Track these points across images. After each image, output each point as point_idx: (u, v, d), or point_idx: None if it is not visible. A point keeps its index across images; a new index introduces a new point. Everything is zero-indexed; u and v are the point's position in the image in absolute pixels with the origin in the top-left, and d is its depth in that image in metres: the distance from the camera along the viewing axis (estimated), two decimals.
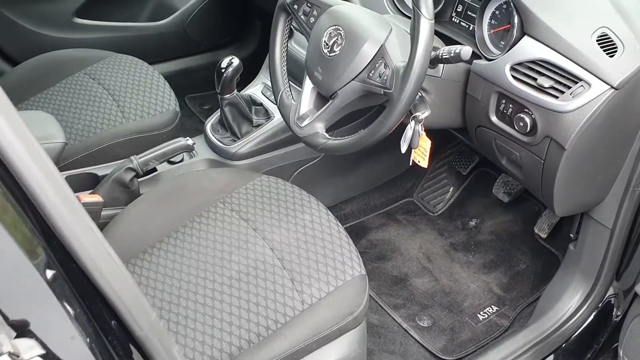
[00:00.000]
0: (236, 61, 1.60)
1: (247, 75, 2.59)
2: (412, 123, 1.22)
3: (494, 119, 1.28)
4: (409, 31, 1.20)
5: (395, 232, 1.91)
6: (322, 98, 1.28)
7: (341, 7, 1.23)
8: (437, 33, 1.38)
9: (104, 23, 2.18)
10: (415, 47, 1.05)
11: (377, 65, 1.13)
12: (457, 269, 1.79)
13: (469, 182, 1.98)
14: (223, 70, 1.59)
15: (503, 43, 1.29)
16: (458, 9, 1.39)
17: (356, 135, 1.17)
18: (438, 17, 1.42)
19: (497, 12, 1.30)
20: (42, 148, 0.64)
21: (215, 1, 2.39)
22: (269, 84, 1.77)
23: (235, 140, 1.68)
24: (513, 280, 1.75)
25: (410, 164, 1.31)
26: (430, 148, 1.26)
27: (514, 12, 1.21)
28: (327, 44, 1.20)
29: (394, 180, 2.05)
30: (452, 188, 2.00)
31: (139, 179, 1.53)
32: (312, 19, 1.27)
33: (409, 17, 1.43)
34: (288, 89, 1.35)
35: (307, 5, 1.28)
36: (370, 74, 1.14)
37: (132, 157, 1.48)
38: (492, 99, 1.26)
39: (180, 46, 2.42)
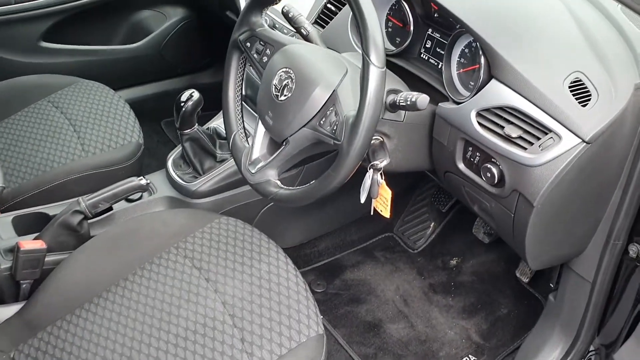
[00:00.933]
0: (196, 95, 1.50)
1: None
2: (371, 172, 1.13)
3: (461, 166, 1.18)
4: None
5: (372, 271, 1.81)
6: (275, 142, 1.18)
7: (295, 47, 1.13)
8: (404, 71, 1.29)
9: (73, 47, 2.09)
10: (364, 98, 0.95)
11: (327, 112, 1.04)
12: (435, 314, 1.68)
13: (449, 218, 1.87)
14: (182, 104, 1.50)
15: (472, 84, 1.19)
16: (427, 45, 1.29)
17: (307, 186, 1.07)
18: (405, 53, 1.33)
19: (466, 50, 1.20)
20: None
21: (193, 22, 2.31)
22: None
23: (196, 177, 1.59)
24: (493, 327, 1.64)
25: (372, 213, 1.21)
26: (392, 197, 1.16)
27: (480, 52, 1.11)
28: (277, 87, 1.11)
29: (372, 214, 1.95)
30: (433, 223, 1.89)
31: (90, 220, 1.44)
32: (264, 59, 1.18)
33: None
34: (242, 131, 1.25)
35: (260, 44, 1.19)
36: (321, 122, 1.04)
37: (79, 199, 1.39)
38: (458, 146, 1.16)
39: (156, 69, 2.33)
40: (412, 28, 1.30)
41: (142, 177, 1.48)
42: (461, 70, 1.21)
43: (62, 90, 1.78)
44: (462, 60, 1.21)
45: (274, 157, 1.14)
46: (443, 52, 1.24)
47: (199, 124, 1.57)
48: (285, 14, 1.27)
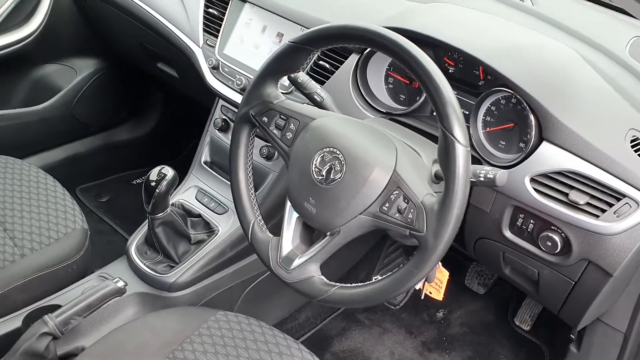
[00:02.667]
0: (170, 172, 1.27)
1: (148, 156, 2.26)
2: None
3: (507, 234, 1.10)
4: (409, 144, 0.99)
5: (360, 337, 1.67)
6: (310, 229, 1.02)
7: (330, 122, 0.98)
8: (416, 130, 1.18)
9: None
10: (452, 183, 0.83)
11: (391, 197, 0.89)
12: None
13: None
14: (154, 184, 1.26)
15: (503, 143, 1.11)
16: None
17: (377, 284, 0.91)
18: (416, 112, 1.22)
19: (493, 108, 1.13)
20: None
21: (107, 75, 2.03)
22: (204, 187, 1.48)
23: (171, 266, 1.35)
24: None
25: (422, 297, 1.08)
26: (448, 279, 1.04)
27: (529, 114, 1.03)
28: (319, 170, 0.94)
29: (347, 274, 1.81)
30: None
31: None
32: (288, 135, 1.01)
33: (385, 113, 1.21)
34: (260, 219, 1.06)
35: (282, 117, 1.02)
36: (384, 208, 0.90)
37: (46, 318, 1.10)
38: (506, 213, 1.08)
39: (66, 131, 2.01)
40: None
41: (118, 279, 1.22)
42: (488, 129, 1.13)
43: None
44: (488, 118, 1.13)
45: (316, 249, 0.97)
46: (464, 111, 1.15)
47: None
48: (293, 80, 1.11)
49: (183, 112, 2.25)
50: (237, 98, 1.38)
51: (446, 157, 0.83)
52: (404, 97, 1.26)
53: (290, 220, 1.01)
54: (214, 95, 1.48)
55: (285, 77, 1.08)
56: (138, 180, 2.19)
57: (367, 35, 0.89)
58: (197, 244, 1.38)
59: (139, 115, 2.23)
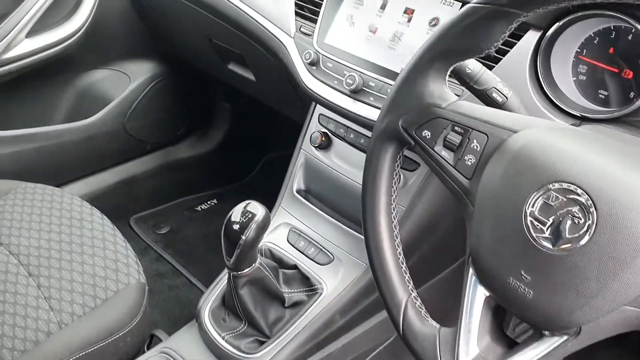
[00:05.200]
0: (260, 211, 0.89)
1: (214, 177, 1.90)
2: None
3: None
4: None
5: None
6: (501, 311, 0.61)
7: (548, 137, 0.57)
8: None
9: None
10: None
11: None
12: None
13: None
14: (238, 229, 0.88)
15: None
16: None
17: None
18: (631, 117, 0.80)
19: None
20: None
21: (165, 82, 1.68)
22: (298, 224, 1.09)
23: (260, 341, 0.96)
24: None
25: None
26: None
27: None
28: (541, 224, 0.53)
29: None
30: None
31: None
32: (469, 160, 0.60)
33: (579, 117, 0.80)
34: (415, 295, 0.66)
35: (456, 131, 0.62)
36: None
37: None
38: None
39: (117, 150, 1.67)
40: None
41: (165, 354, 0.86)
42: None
43: None
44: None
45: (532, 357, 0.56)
46: None
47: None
48: (457, 70, 0.71)
49: (257, 125, 1.88)
50: (346, 103, 0.99)
51: None
52: (605, 93, 0.84)
53: (473, 301, 0.60)
54: (308, 100, 1.10)
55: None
56: (203, 207, 1.84)
57: None
58: (293, 307, 0.99)
59: (203, 130, 1.88)
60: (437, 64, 0.62)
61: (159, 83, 1.66)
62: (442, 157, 0.62)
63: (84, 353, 0.93)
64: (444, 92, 0.63)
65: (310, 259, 1.04)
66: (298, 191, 1.12)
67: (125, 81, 1.61)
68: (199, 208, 1.83)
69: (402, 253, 0.67)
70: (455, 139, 0.61)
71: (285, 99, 1.32)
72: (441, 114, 0.62)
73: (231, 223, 0.89)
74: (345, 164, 1.06)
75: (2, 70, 1.32)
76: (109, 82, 1.58)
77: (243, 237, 0.87)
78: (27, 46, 1.35)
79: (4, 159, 1.41)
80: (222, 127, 1.89)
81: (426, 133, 0.63)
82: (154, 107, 1.68)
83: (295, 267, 1.03)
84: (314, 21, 1.05)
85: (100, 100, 1.57)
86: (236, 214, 0.89)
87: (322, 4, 1.04)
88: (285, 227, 1.09)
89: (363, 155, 1.01)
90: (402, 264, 0.67)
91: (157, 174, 1.79)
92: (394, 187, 0.67)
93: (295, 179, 1.12)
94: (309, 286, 1.01)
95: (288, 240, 1.07)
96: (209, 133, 1.89)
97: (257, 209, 0.89)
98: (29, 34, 1.35)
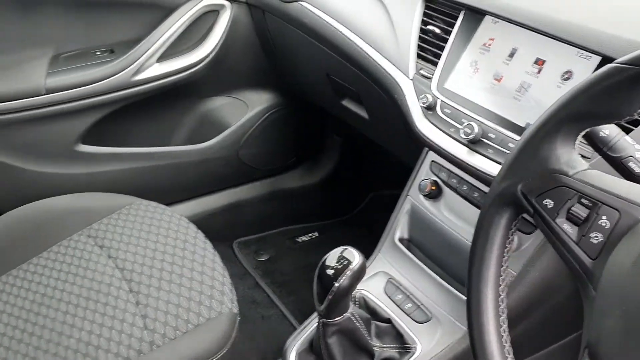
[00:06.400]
0: (357, 258, 0.84)
1: (318, 209, 1.89)
2: None
3: None
4: None
5: None
6: None
7: None
8: None
9: (121, 150, 1.48)
10: None
11: None
12: None
13: None
14: (332, 274, 0.84)
15: None
16: None
17: None
18: None
19: None
20: None
21: (280, 112, 1.70)
22: (397, 276, 1.03)
23: None
24: None
25: None
26: None
27: None
28: None
29: None
30: None
31: None
32: (595, 238, 0.53)
33: None
34: None
35: (582, 204, 0.54)
36: None
37: None
38: None
39: (229, 174, 1.71)
40: None
41: None
42: None
43: (108, 218, 1.17)
44: None
45: None
46: None
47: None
48: (587, 134, 0.63)
49: (366, 161, 1.86)
50: (462, 153, 0.93)
51: None
52: None
53: None
54: (421, 145, 1.05)
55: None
56: (304, 238, 1.83)
57: None
58: None
59: (312, 161, 1.88)
60: (568, 127, 0.55)
61: (275, 113, 1.68)
62: (563, 231, 0.55)
63: None
64: (572, 159, 0.56)
65: (406, 314, 0.97)
66: (400, 240, 1.07)
67: (243, 109, 1.64)
68: (299, 239, 1.82)
69: (505, 322, 0.60)
70: (581, 212, 0.54)
71: (397, 140, 1.28)
72: (567, 183, 0.55)
73: (325, 267, 0.85)
74: (454, 217, 0.99)
75: (132, 91, 1.40)
76: (228, 109, 1.63)
77: (336, 285, 0.83)
78: (156, 70, 1.42)
79: (123, 174, 1.49)
80: (331, 161, 1.88)
81: (548, 202, 0.56)
82: (267, 136, 1.70)
83: (389, 321, 0.97)
84: (435, 64, 1.01)
85: (217, 125, 1.62)
86: (331, 258, 0.86)
87: (445, 47, 1.00)
88: (383, 277, 1.04)
89: (475, 210, 0.94)
90: (504, 333, 0.59)
91: (263, 201, 1.81)
92: (506, 257, 0.61)
93: (399, 227, 1.07)
94: (402, 344, 0.95)
95: (385, 291, 1.02)
96: (318, 165, 1.89)
97: (354, 256, 0.84)
98: (160, 59, 1.42)
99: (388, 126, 1.26)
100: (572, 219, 0.54)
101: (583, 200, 0.54)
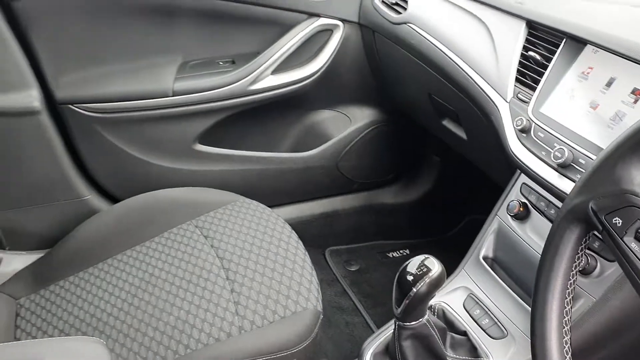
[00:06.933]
0: (436, 267, 0.89)
1: (412, 227, 1.93)
2: None
3: None
4: None
5: None
6: None
7: None
8: None
9: (233, 152, 1.61)
10: None
11: None
12: None
13: None
14: (411, 280, 0.89)
15: None
16: None
17: None
18: None
19: None
20: None
21: (381, 129, 1.77)
22: (477, 292, 1.06)
23: None
24: None
25: None
26: None
27: None
28: None
29: None
30: None
31: None
32: None
33: None
34: None
35: None
36: None
37: None
38: None
39: (327, 184, 1.80)
40: None
41: None
42: None
43: (215, 212, 1.28)
44: None
45: None
46: None
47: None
48: None
49: (464, 184, 1.87)
50: (551, 176, 0.94)
51: None
52: None
53: None
54: (513, 167, 1.07)
55: None
56: (395, 254, 1.87)
57: None
58: None
59: (409, 179, 1.92)
60: (637, 152, 0.57)
61: (377, 129, 1.75)
62: (630, 249, 0.57)
63: None
64: None
65: (482, 329, 1.00)
66: (485, 258, 1.09)
67: (346, 123, 1.73)
68: (390, 254, 1.87)
69: (569, 341, 0.62)
70: None
71: (493, 163, 1.30)
72: (637, 203, 0.57)
73: (405, 273, 0.90)
74: (540, 240, 1.00)
75: (247, 99, 1.53)
76: (332, 122, 1.72)
77: (414, 290, 0.87)
78: (271, 81, 1.54)
79: (232, 174, 1.62)
80: (428, 180, 1.91)
81: (617, 220, 0.58)
82: (367, 151, 1.77)
83: (465, 333, 1.00)
84: (533, 89, 1.03)
85: (320, 136, 1.71)
86: (412, 265, 0.90)
87: (544, 73, 1.02)
88: (464, 292, 1.07)
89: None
90: (566, 344, 0.61)
91: (358, 213, 1.87)
92: (574, 271, 0.63)
93: (484, 245, 1.09)
94: (476, 357, 0.97)
95: (464, 306, 1.05)
96: (414, 183, 1.92)
97: (434, 265, 0.89)
98: (274, 72, 1.53)
99: (485, 148, 1.29)
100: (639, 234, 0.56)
101: None
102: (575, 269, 0.63)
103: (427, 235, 1.94)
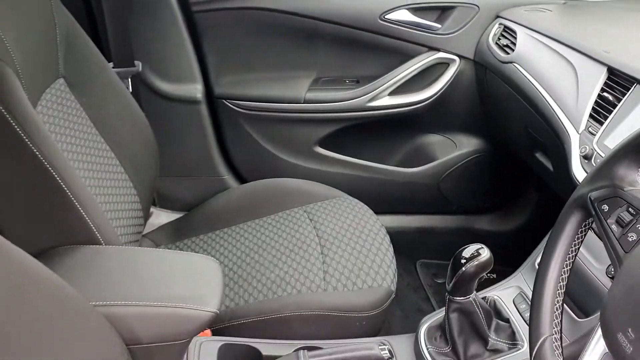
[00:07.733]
0: (486, 254, 1.08)
1: (503, 255, 2.05)
2: None
3: None
4: None
5: None
6: None
7: None
8: None
9: (345, 158, 1.88)
10: None
11: None
12: None
13: None
14: (462, 262, 1.08)
15: None
16: None
17: None
18: None
19: None
20: None
21: (484, 158, 1.94)
22: (527, 291, 1.21)
23: None
24: None
25: None
26: None
27: None
28: None
29: None
30: None
31: None
32: (631, 237, 0.71)
33: None
34: (558, 337, 0.77)
35: (630, 211, 0.73)
36: None
37: (300, 354, 1.04)
38: None
39: (427, 201, 1.99)
40: None
41: (383, 343, 1.09)
42: None
43: (322, 202, 1.54)
44: None
45: None
46: None
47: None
48: None
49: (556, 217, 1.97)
50: None
51: None
52: None
53: (594, 350, 0.70)
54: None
55: None
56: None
57: None
58: (493, 352, 1.13)
59: (505, 210, 2.06)
60: (632, 155, 0.74)
61: (479, 157, 1.92)
62: (611, 230, 0.73)
63: (328, 313, 1.24)
64: (633, 179, 0.74)
65: (524, 320, 1.15)
66: (539, 264, 1.24)
67: (451, 147, 1.92)
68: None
69: (561, 302, 0.79)
70: (627, 217, 0.72)
71: (569, 189, 1.43)
72: (621, 195, 0.74)
73: (460, 255, 1.09)
74: (587, 253, 1.14)
75: (364, 114, 1.79)
76: (438, 145, 1.92)
77: (463, 269, 1.06)
78: (387, 101, 1.79)
79: (342, 177, 1.87)
80: (524, 213, 2.03)
81: (604, 207, 0.75)
82: (468, 176, 1.94)
83: (508, 321, 1.16)
84: (601, 123, 1.18)
85: (425, 156, 1.92)
86: (468, 250, 1.10)
87: (613, 111, 1.17)
88: (515, 290, 1.23)
89: (603, 245, 1.09)
90: (558, 309, 0.78)
91: (452, 233, 2.04)
92: (573, 249, 0.80)
93: (540, 254, 1.24)
94: (513, 340, 1.13)
95: (513, 301, 1.20)
96: (510, 215, 2.05)
97: (485, 252, 1.07)
98: (391, 93, 1.78)
99: (567, 179, 1.43)
100: (619, 221, 0.73)
101: (630, 209, 0.72)
102: (574, 246, 0.80)
103: (516, 265, 2.04)
